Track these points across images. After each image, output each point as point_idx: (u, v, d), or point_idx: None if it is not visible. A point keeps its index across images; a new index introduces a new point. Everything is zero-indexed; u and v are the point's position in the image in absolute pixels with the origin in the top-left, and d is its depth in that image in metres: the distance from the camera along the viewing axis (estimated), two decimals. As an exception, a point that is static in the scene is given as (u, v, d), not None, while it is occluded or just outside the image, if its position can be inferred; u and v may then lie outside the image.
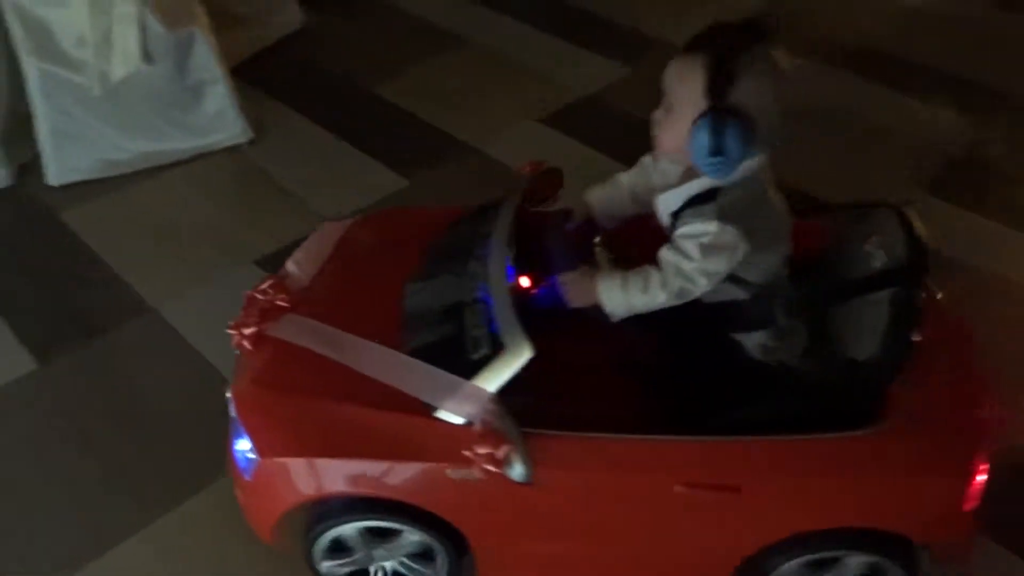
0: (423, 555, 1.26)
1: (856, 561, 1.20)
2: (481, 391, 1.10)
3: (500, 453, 1.08)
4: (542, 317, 1.13)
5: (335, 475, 1.17)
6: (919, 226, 1.16)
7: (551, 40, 2.82)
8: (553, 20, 2.92)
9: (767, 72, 1.07)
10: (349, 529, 1.21)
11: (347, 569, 1.29)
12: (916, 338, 1.10)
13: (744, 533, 1.20)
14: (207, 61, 2.11)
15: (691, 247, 1.10)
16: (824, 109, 2.29)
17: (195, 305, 1.81)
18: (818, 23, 2.81)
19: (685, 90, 1.08)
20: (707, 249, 1.10)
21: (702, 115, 1.05)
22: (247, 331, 1.24)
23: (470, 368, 1.12)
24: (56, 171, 2.13)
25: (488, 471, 1.07)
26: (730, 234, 1.09)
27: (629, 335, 1.19)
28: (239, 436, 1.19)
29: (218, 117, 2.21)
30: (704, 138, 1.06)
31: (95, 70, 2.00)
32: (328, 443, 1.16)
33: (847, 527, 1.18)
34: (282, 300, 1.28)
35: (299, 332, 1.24)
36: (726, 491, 1.14)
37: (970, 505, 1.16)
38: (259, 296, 1.28)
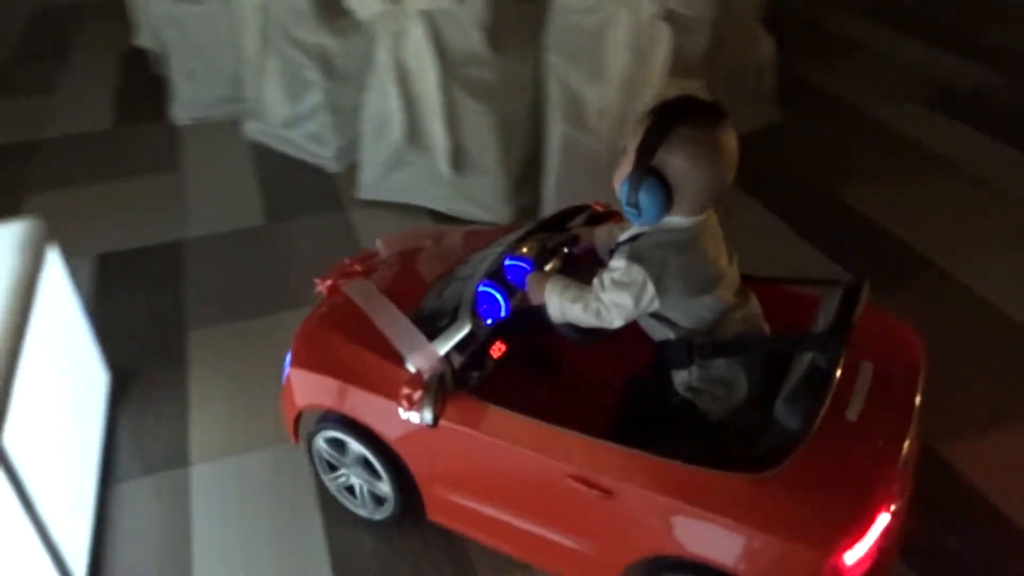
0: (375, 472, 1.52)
1: None
2: (432, 351, 1.37)
3: (415, 396, 1.33)
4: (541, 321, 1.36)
5: (328, 391, 1.49)
6: (860, 304, 1.25)
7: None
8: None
9: (700, 147, 1.21)
10: (326, 437, 1.53)
11: (339, 482, 1.61)
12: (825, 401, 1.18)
13: (623, 540, 1.30)
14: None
15: (606, 279, 1.28)
16: None
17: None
18: None
19: (631, 147, 1.25)
20: (615, 284, 1.27)
21: (630, 171, 1.24)
22: (325, 283, 1.63)
23: (435, 333, 1.39)
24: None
25: (404, 406, 1.33)
26: (637, 274, 1.25)
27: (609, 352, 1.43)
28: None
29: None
30: (624, 190, 1.24)
31: (608, 141, 2.32)
32: (331, 367, 1.49)
33: (714, 562, 1.21)
34: (359, 267, 1.65)
35: (358, 292, 1.56)
36: (602, 492, 1.25)
37: None
38: (346, 262, 1.66)
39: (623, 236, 1.34)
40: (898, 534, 1.25)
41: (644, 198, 1.23)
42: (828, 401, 1.20)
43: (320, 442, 1.57)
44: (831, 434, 1.20)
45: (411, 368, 1.38)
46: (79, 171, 2.94)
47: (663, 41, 2.15)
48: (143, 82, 3.57)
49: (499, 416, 1.34)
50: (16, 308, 1.44)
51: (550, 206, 2.47)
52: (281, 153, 2.99)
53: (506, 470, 1.38)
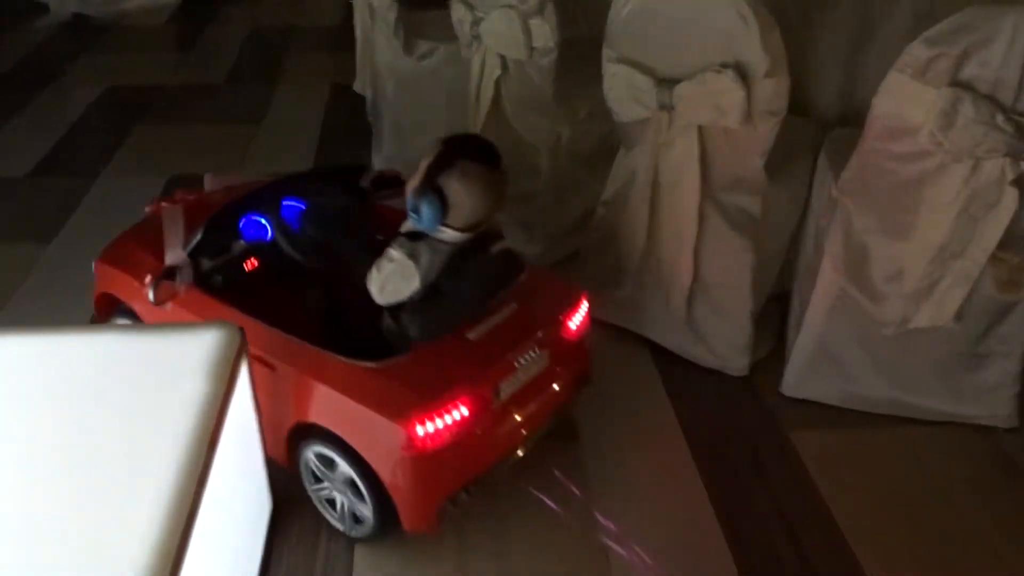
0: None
1: (344, 470, 1.55)
2: (180, 252, 1.68)
3: (147, 280, 1.66)
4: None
5: (113, 280, 1.83)
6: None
7: None
8: None
9: (475, 179, 1.54)
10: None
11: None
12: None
13: (282, 408, 1.58)
14: (1015, 332, 1.85)
15: (384, 264, 1.56)
16: None
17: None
18: None
19: (423, 164, 1.57)
20: (393, 272, 1.55)
21: (418, 183, 1.55)
22: (154, 206, 1.86)
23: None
24: (794, 382, 2.05)
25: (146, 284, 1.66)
26: (410, 269, 1.54)
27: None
28: None
29: (991, 392, 1.92)
30: (410, 199, 1.56)
31: (897, 311, 1.88)
32: (119, 262, 1.83)
33: (335, 431, 1.51)
34: (182, 197, 1.89)
35: (168, 212, 1.80)
36: (268, 368, 1.56)
37: (410, 451, 1.43)
38: (177, 193, 1.90)
39: (404, 229, 1.62)
40: (501, 444, 1.62)
41: (424, 207, 1.53)
42: (450, 320, 1.58)
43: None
44: (445, 345, 1.56)
45: (166, 262, 1.69)
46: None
47: (1004, 211, 1.69)
48: (347, 125, 3.42)
49: (215, 305, 1.65)
50: (199, 451, 1.17)
51: (798, 367, 2.04)
52: (481, 233, 2.71)
53: None
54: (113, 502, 1.08)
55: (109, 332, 1.55)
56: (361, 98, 3.37)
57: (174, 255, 1.69)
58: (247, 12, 4.93)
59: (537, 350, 1.63)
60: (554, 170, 2.43)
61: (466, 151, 1.58)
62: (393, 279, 1.55)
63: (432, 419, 1.43)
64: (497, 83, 2.42)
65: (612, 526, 1.70)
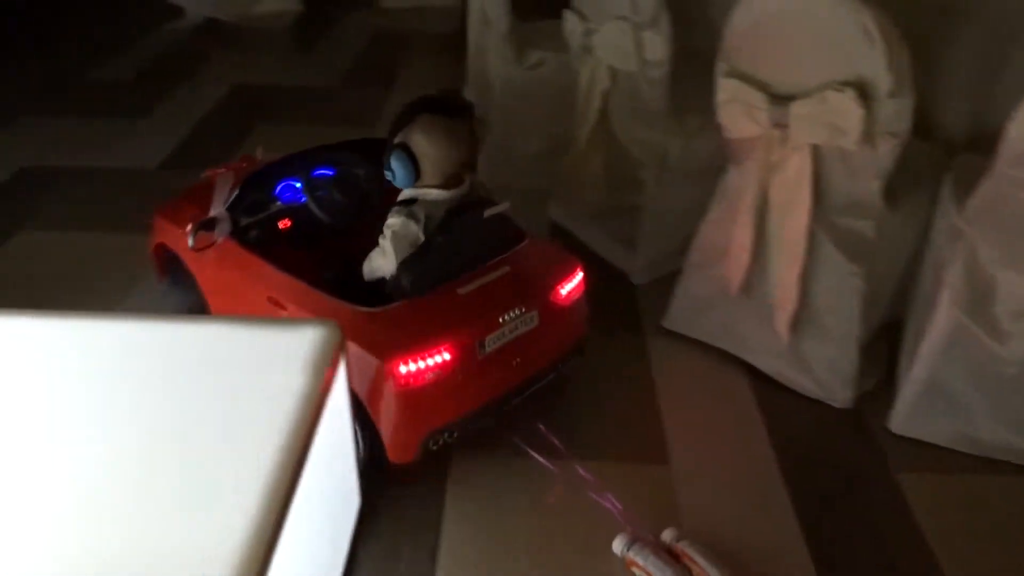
0: None
1: None
2: (222, 208, 1.89)
3: (188, 229, 1.86)
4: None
5: (166, 232, 2.10)
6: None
7: None
8: None
9: (435, 130, 1.70)
10: None
11: None
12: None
13: None
14: None
15: (387, 232, 1.73)
16: None
17: None
18: None
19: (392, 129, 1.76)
20: (395, 235, 1.72)
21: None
22: (212, 172, 2.03)
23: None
24: (904, 420, 1.94)
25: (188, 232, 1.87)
26: (412, 227, 1.71)
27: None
28: None
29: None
30: (385, 162, 1.73)
31: (1021, 351, 1.75)
32: (172, 216, 2.09)
33: None
34: (238, 164, 2.09)
35: (221, 177, 1.97)
36: (279, 307, 1.77)
37: (393, 388, 1.61)
38: (235, 164, 2.09)
39: (400, 198, 1.78)
40: (486, 393, 1.74)
41: (395, 164, 1.70)
42: (439, 275, 1.72)
43: None
44: (437, 298, 1.70)
45: (209, 214, 1.89)
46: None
47: None
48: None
49: (244, 255, 1.87)
50: (295, 445, 1.21)
51: (908, 403, 1.93)
52: (582, 243, 2.69)
53: (242, 292, 1.90)
54: (206, 491, 1.12)
55: (214, 323, 1.62)
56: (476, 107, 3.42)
57: (216, 209, 1.91)
58: (367, 18, 5.08)
59: (524, 310, 1.75)
60: (659, 185, 2.39)
61: (426, 106, 1.73)
62: (400, 243, 1.71)
63: (414, 360, 1.60)
64: (605, 95, 2.41)
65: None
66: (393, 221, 1.72)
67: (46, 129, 3.49)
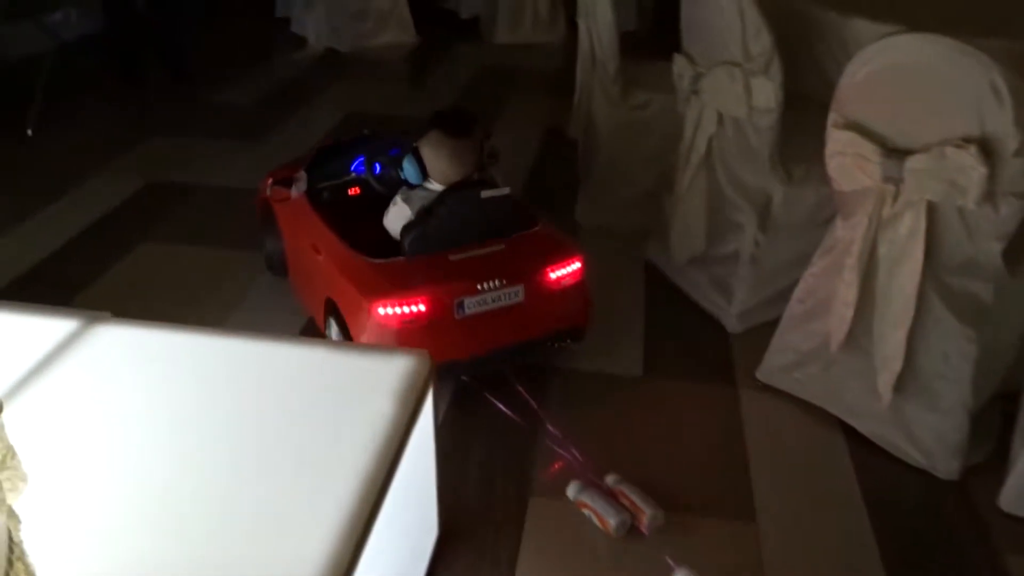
0: None
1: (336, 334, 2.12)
2: (302, 172, 2.34)
3: (269, 183, 2.41)
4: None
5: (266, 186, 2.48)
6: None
7: None
8: None
9: (439, 146, 2.06)
10: None
11: None
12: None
13: (321, 285, 2.15)
14: None
15: (392, 206, 2.13)
16: None
17: None
18: None
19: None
20: (397, 210, 2.11)
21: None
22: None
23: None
24: (1016, 498, 1.80)
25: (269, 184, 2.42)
26: (405, 208, 2.08)
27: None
28: None
29: None
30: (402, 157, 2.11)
31: None
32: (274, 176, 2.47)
33: (336, 304, 2.06)
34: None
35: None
36: (317, 252, 2.16)
37: (373, 324, 1.93)
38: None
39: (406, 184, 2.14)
40: (460, 348, 2.00)
41: (407, 164, 2.08)
42: (437, 241, 2.04)
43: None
44: (431, 259, 2.02)
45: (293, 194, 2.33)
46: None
47: None
48: (555, 167, 3.50)
49: (308, 210, 2.25)
50: (380, 469, 1.23)
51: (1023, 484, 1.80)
52: (676, 287, 2.66)
53: (300, 240, 2.31)
54: (287, 514, 1.15)
55: (308, 345, 1.67)
56: (571, 144, 3.44)
57: (297, 171, 2.35)
58: (477, 53, 5.21)
59: (505, 283, 1.98)
60: (760, 232, 2.34)
61: (440, 123, 2.09)
62: (397, 216, 2.10)
63: (392, 305, 1.91)
64: (710, 139, 2.38)
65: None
66: (397, 199, 2.13)
67: (173, 148, 3.71)
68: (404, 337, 1.90)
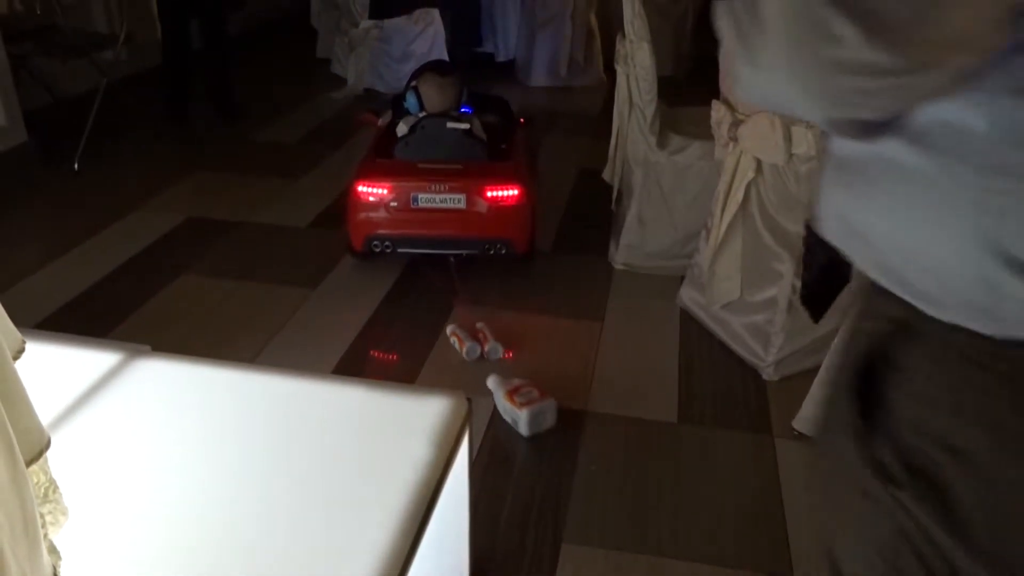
0: None
1: None
2: (386, 117, 3.21)
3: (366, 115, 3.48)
4: None
5: None
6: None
7: None
8: None
9: (430, 83, 2.91)
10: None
11: None
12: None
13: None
14: None
15: (399, 125, 2.93)
16: None
17: None
18: None
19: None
20: (399, 127, 2.93)
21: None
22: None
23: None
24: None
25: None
26: (403, 127, 2.87)
27: None
28: None
29: None
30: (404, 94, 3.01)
31: None
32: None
33: None
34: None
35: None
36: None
37: (355, 195, 2.77)
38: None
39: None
40: (412, 229, 2.78)
41: (410, 97, 2.94)
42: (415, 151, 2.82)
43: None
44: (405, 163, 2.80)
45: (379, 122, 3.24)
46: (498, 293, 2.88)
47: None
48: (589, 210, 3.51)
49: (376, 146, 3.01)
50: (416, 511, 1.22)
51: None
52: (711, 334, 2.63)
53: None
54: (323, 553, 1.14)
55: (345, 384, 1.66)
56: (606, 187, 3.46)
57: (383, 117, 3.23)
58: (513, 94, 5.27)
59: (448, 189, 2.70)
60: (799, 280, 2.31)
61: (431, 67, 3.09)
62: (400, 132, 2.87)
63: (368, 186, 2.73)
64: (748, 186, 2.37)
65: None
66: (401, 120, 2.94)
67: (215, 183, 3.80)
68: (372, 212, 2.73)
